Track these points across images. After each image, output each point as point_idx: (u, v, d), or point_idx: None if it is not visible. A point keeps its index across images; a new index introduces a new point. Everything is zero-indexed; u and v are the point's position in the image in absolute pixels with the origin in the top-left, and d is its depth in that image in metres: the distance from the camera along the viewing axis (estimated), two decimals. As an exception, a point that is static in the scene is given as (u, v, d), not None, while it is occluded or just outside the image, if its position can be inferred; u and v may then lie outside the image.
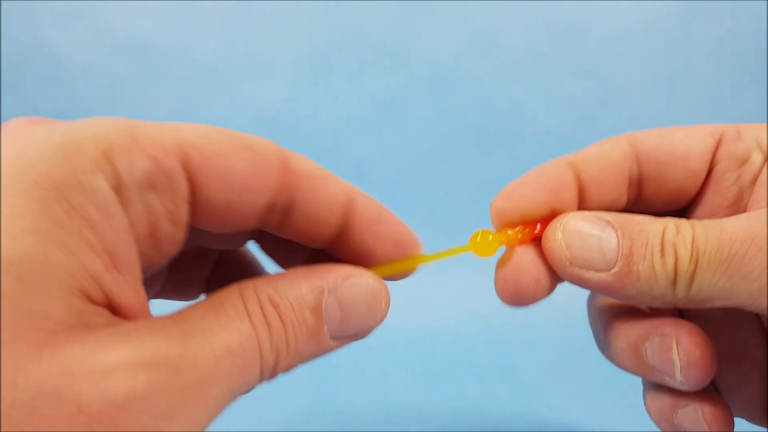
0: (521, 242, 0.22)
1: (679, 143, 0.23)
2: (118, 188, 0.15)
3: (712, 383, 0.24)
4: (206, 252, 0.25)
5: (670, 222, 0.20)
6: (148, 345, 0.14)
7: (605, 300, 0.25)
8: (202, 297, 0.22)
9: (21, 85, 0.69)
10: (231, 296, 0.17)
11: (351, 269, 0.19)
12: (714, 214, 0.23)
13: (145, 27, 0.68)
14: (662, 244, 0.19)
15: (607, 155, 0.23)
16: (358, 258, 0.20)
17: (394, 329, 0.59)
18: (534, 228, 0.22)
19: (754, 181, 0.23)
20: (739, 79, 0.67)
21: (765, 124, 0.23)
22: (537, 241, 0.22)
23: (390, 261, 0.20)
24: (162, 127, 0.17)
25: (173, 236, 0.17)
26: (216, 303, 0.17)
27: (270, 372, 0.17)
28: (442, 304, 0.62)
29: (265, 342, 0.16)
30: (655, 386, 0.23)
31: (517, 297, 0.22)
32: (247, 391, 0.17)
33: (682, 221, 0.20)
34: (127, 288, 0.16)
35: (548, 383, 0.49)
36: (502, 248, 0.22)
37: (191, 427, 0.15)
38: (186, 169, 0.17)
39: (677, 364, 0.21)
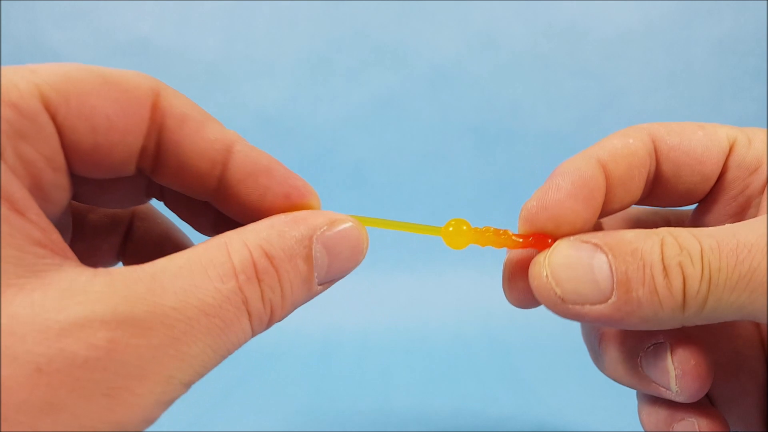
0: (496, 245, 0.21)
1: (698, 144, 0.22)
2: None
3: (708, 396, 0.23)
4: (114, 219, 0.23)
5: (667, 235, 0.18)
6: (109, 302, 0.14)
7: None
8: (119, 266, 0.21)
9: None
10: (214, 251, 0.16)
11: (333, 215, 0.19)
12: (718, 222, 0.23)
13: (144, 27, 0.68)
14: (663, 263, 0.17)
15: (633, 152, 0.21)
16: (246, 212, 0.19)
17: (394, 329, 0.59)
18: (514, 236, 0.21)
19: (763, 189, 0.22)
20: (739, 79, 0.67)
21: None
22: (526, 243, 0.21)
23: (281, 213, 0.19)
24: (16, 71, 0.16)
25: (57, 183, 0.17)
26: (194, 259, 0.16)
27: (264, 325, 0.17)
28: (442, 304, 0.62)
29: (255, 298, 0.16)
30: (651, 399, 0.23)
31: (522, 302, 0.21)
32: (239, 346, 0.16)
33: (682, 232, 0.18)
34: (37, 230, 0.15)
35: (548, 383, 0.49)
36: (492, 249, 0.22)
37: (168, 384, 0.14)
38: (47, 108, 0.16)
39: (672, 374, 0.20)
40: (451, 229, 0.21)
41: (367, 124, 0.68)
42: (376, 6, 0.67)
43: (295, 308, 0.18)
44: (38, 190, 0.16)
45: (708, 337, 0.22)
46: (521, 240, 0.20)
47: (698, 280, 0.17)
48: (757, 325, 0.24)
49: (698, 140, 0.22)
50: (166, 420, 0.17)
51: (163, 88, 0.18)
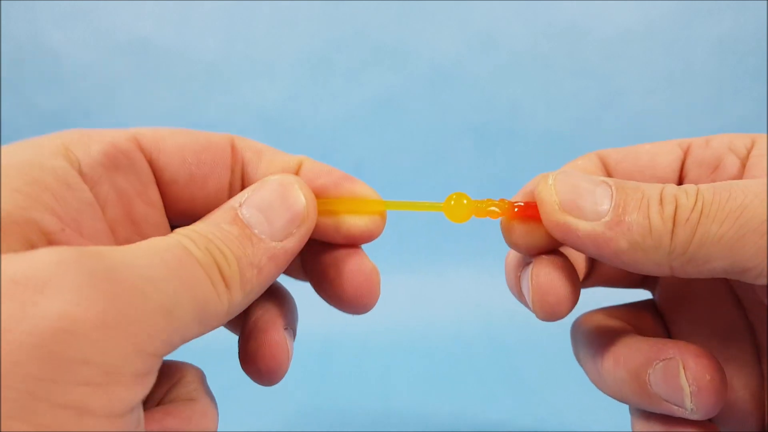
0: (495, 216, 0.22)
1: (644, 154, 0.23)
2: (80, 169, 0.17)
3: None
4: None
5: (670, 184, 0.19)
6: (74, 249, 0.14)
7: (594, 325, 0.24)
8: None
9: (21, 84, 0.69)
10: (166, 239, 0.17)
11: (257, 183, 0.20)
12: None
13: (144, 27, 0.68)
14: (661, 195, 0.18)
15: (582, 169, 0.23)
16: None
17: (394, 329, 0.59)
18: (513, 205, 0.21)
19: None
20: (739, 79, 0.67)
21: (736, 134, 0.23)
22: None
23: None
24: (114, 129, 0.19)
25: (151, 219, 0.19)
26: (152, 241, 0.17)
27: (221, 282, 0.16)
28: (442, 304, 0.62)
29: (193, 247, 0.16)
30: (644, 413, 0.22)
31: (550, 315, 0.21)
32: (212, 308, 0.16)
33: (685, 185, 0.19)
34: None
35: (548, 383, 0.49)
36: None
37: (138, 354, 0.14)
38: (141, 149, 0.18)
39: (687, 391, 0.19)
40: (452, 203, 0.22)
41: (367, 123, 0.68)
42: (376, 6, 0.67)
43: (267, 270, 0.18)
44: (130, 222, 0.18)
45: (702, 347, 0.21)
46: (522, 204, 0.21)
47: (690, 209, 0.18)
48: (752, 330, 0.23)
49: (644, 151, 0.24)
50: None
51: (234, 135, 0.20)
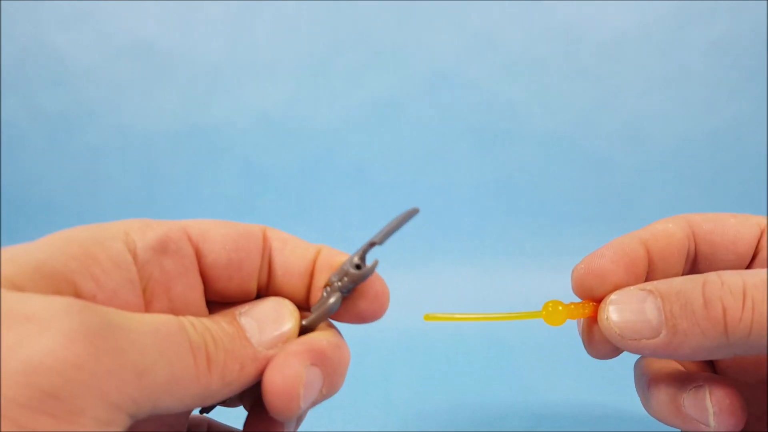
0: (585, 316, 0.25)
1: (731, 228, 0.26)
2: (134, 251, 0.20)
3: None
4: None
5: (712, 275, 0.21)
6: (79, 301, 0.16)
7: (647, 361, 0.27)
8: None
9: (25, 86, 0.70)
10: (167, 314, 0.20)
11: (259, 300, 0.23)
12: None
13: (148, 29, 0.68)
14: (704, 297, 0.21)
15: (671, 234, 0.26)
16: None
17: (394, 328, 0.59)
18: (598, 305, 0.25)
19: None
20: (735, 81, 0.67)
21: None
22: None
23: (365, 308, 0.23)
24: (168, 221, 0.22)
25: (190, 300, 0.22)
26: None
27: (205, 364, 0.18)
28: (442, 303, 0.63)
29: (190, 329, 0.19)
30: None
31: (604, 357, 0.26)
32: (187, 384, 0.18)
33: (728, 272, 0.21)
34: None
35: (547, 381, 0.50)
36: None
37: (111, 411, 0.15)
38: (189, 239, 0.22)
39: (710, 411, 0.23)
40: (550, 308, 0.25)
41: (367, 125, 0.69)
42: (376, 9, 0.68)
43: (248, 371, 0.20)
44: (167, 300, 0.21)
45: (744, 389, 0.25)
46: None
47: (739, 309, 0.20)
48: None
49: (731, 225, 0.26)
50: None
51: (266, 226, 0.24)
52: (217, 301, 0.23)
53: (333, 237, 0.68)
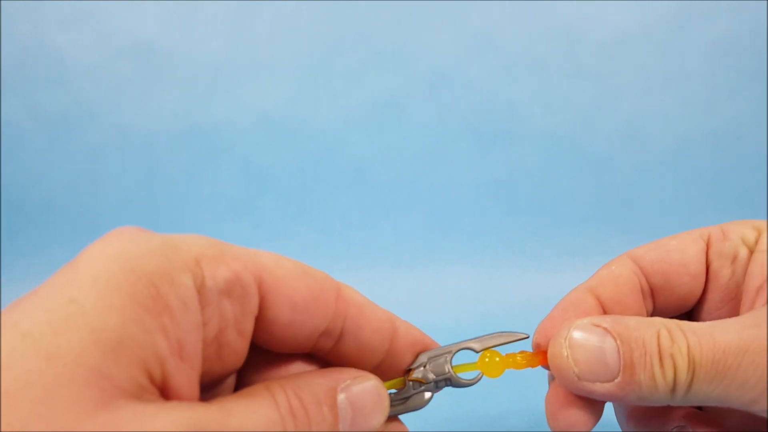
0: (526, 366, 0.24)
1: (675, 251, 0.25)
2: (201, 288, 0.18)
3: None
4: None
5: (662, 327, 0.21)
6: (191, 415, 0.16)
7: None
8: None
9: (25, 86, 0.70)
10: (260, 390, 0.19)
11: (357, 371, 0.22)
12: (717, 310, 0.25)
13: (148, 29, 0.68)
14: (660, 353, 0.21)
15: (617, 275, 0.25)
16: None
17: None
18: (539, 354, 0.24)
19: (744, 273, 0.24)
20: (735, 81, 0.67)
21: (747, 221, 0.25)
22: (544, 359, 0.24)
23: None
24: (243, 249, 0.20)
25: (236, 346, 0.20)
26: (247, 394, 0.19)
27: None
28: (442, 302, 0.63)
29: (290, 427, 0.18)
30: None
31: (568, 427, 0.24)
32: None
33: (672, 325, 0.21)
34: (185, 377, 0.17)
35: (546, 382, 0.50)
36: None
37: None
38: (259, 286, 0.19)
39: None
40: (487, 360, 0.24)
41: (367, 125, 0.69)
42: (376, 9, 0.68)
43: None
44: (217, 344, 0.19)
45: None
46: (542, 354, 0.24)
47: (685, 372, 0.20)
48: None
49: (673, 248, 0.26)
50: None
51: (342, 285, 0.22)
52: (260, 346, 0.21)
53: (333, 237, 0.68)
